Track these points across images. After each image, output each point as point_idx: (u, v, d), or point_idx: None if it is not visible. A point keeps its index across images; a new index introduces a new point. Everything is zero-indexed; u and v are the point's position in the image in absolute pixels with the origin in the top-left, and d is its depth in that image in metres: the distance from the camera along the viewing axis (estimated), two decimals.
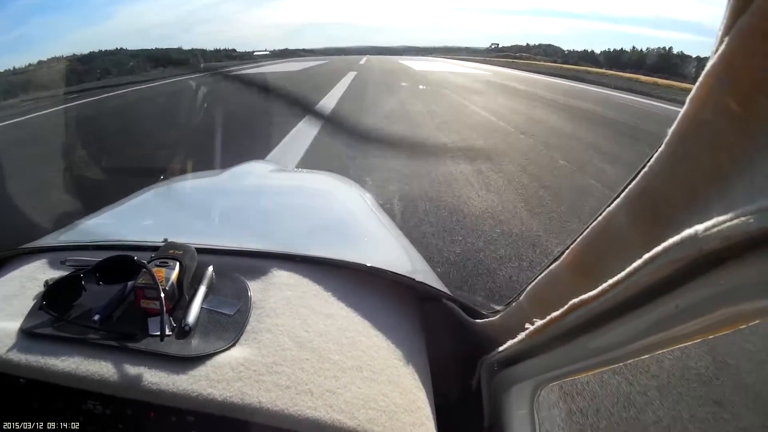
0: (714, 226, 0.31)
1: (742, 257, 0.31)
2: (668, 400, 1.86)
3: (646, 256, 0.38)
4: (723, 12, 0.31)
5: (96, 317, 0.78)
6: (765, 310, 0.32)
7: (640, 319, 0.44)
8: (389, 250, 1.27)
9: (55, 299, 0.81)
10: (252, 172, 1.90)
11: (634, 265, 0.40)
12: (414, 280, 0.99)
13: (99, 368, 0.72)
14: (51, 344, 0.76)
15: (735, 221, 0.30)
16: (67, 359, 0.74)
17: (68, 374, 0.73)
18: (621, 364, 0.53)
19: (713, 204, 0.34)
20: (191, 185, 1.83)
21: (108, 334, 0.77)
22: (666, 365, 2.00)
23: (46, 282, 0.85)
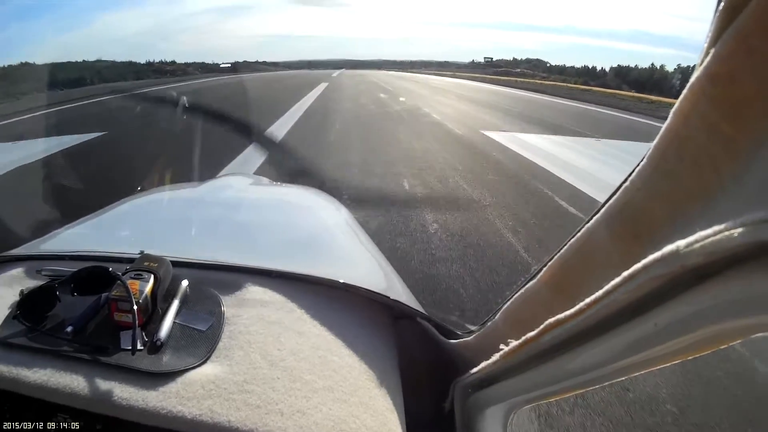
0: (697, 241, 0.30)
1: (725, 273, 0.30)
2: (649, 423, 1.83)
3: (626, 273, 0.37)
4: (707, 26, 0.30)
5: (69, 329, 0.75)
6: (749, 328, 0.30)
7: (618, 338, 0.42)
8: (365, 267, 1.26)
9: (29, 309, 0.79)
10: (230, 185, 1.89)
11: (613, 282, 0.39)
12: (388, 298, 0.97)
13: (70, 381, 0.70)
14: (24, 355, 0.73)
15: (719, 236, 0.28)
16: (39, 371, 0.71)
17: (40, 386, 0.70)
18: (598, 386, 0.51)
19: (695, 219, 0.32)
20: (169, 197, 1.80)
21: (80, 347, 0.74)
22: (645, 385, 1.98)
23: (21, 291, 0.82)
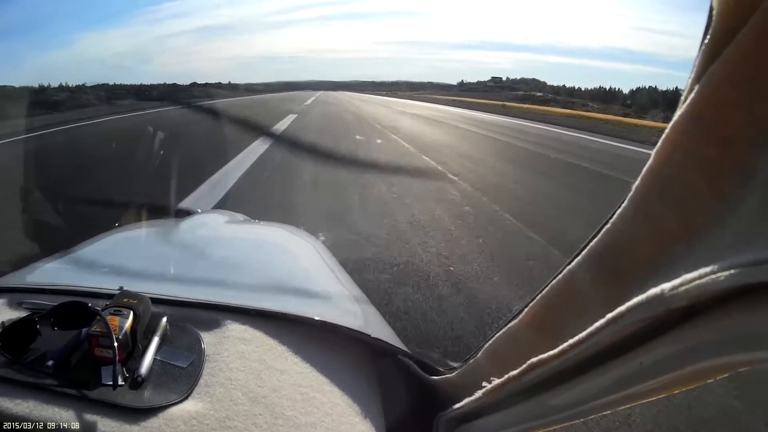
0: (682, 284, 0.28)
1: (710, 314, 0.28)
2: None
3: (609, 315, 0.35)
4: (688, 41, 0.29)
5: (50, 362, 0.73)
6: (737, 364, 0.29)
7: (602, 377, 0.40)
8: (344, 305, 1.23)
9: (10, 341, 0.76)
10: (208, 223, 1.85)
11: (597, 324, 0.37)
12: (369, 336, 0.95)
13: (53, 414, 0.67)
14: (5, 387, 0.70)
15: (704, 279, 0.27)
16: (22, 403, 0.68)
17: (23, 418, 0.67)
18: (581, 420, 0.49)
19: (679, 261, 0.31)
20: (147, 233, 1.76)
21: (62, 381, 0.71)
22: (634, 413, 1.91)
23: (2, 323, 0.79)
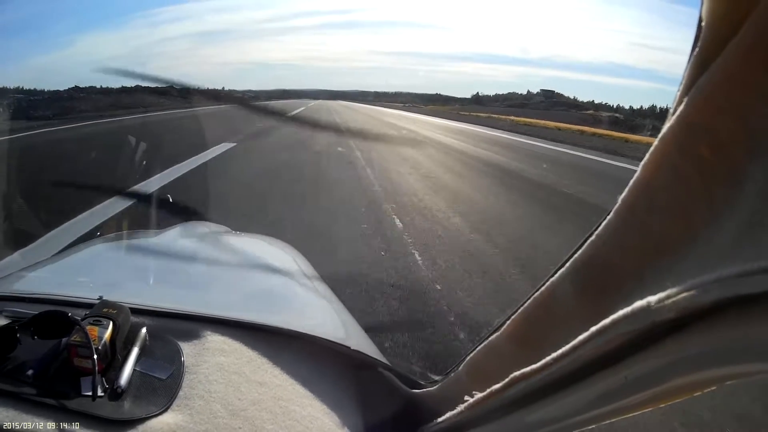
0: (668, 297, 0.27)
1: (696, 326, 0.27)
2: None
3: (594, 328, 0.34)
4: (685, 58, 0.29)
5: (29, 372, 0.71)
6: (722, 377, 0.28)
7: (587, 390, 0.39)
8: (325, 318, 1.21)
9: None
10: (189, 234, 1.82)
11: (581, 338, 0.36)
12: (349, 348, 0.93)
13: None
14: None
15: (692, 292, 0.26)
16: (2, 412, 0.65)
17: (2, 430, 0.64)
18: None
19: (665, 273, 0.30)
20: (128, 244, 1.73)
21: (41, 391, 0.69)
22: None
23: None
